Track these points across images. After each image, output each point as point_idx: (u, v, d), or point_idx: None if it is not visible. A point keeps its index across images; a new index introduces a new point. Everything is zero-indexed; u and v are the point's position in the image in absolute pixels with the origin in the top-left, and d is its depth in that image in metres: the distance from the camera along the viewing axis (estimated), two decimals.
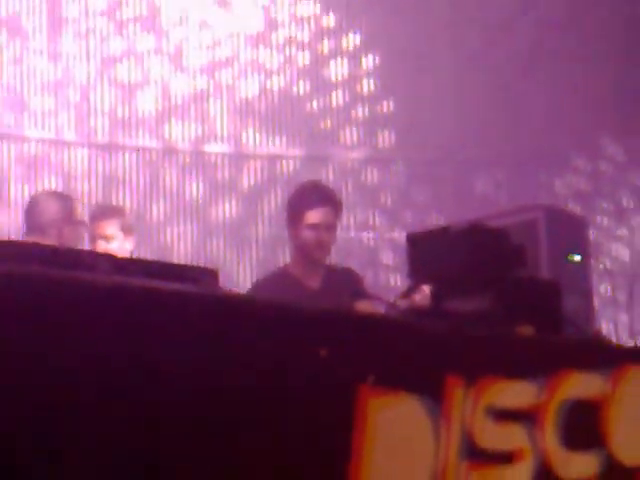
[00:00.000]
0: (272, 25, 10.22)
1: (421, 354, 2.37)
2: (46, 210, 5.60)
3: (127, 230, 5.52)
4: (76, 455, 1.72)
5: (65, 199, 5.79)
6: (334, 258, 5.95)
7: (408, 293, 3.47)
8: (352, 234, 10.13)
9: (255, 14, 10.17)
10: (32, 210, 5.71)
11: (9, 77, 9.42)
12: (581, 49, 9.93)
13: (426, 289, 3.32)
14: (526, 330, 2.90)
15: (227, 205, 9.97)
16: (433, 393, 2.29)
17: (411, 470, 2.25)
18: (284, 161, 10.14)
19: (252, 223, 9.98)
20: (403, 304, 3.49)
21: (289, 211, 5.29)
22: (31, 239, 5.24)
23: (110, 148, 9.65)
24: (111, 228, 5.35)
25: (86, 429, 1.75)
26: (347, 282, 5.19)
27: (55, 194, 6.29)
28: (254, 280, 7.20)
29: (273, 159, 10.10)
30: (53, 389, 1.71)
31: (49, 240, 5.27)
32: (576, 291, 4.80)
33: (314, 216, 5.03)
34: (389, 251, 10.03)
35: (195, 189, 9.85)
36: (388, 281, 9.50)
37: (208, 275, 2.21)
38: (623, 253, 10.39)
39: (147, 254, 9.12)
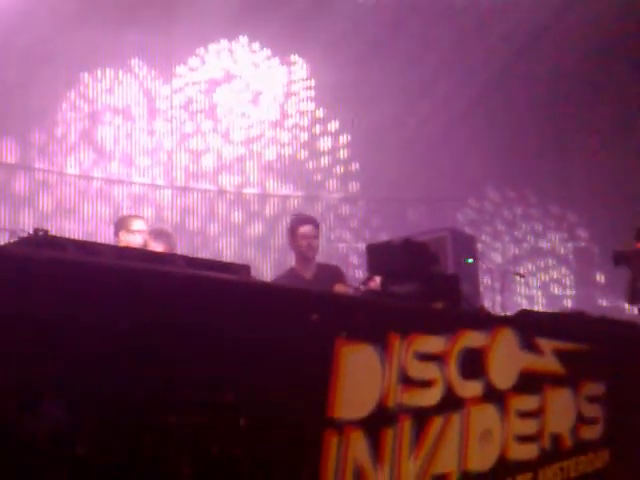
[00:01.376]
0: (285, 115, 11.54)
1: (374, 319, 2.44)
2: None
3: (171, 248, 5.14)
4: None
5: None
6: (322, 260, 5.86)
7: (366, 281, 3.67)
8: (333, 245, 10.95)
9: (274, 108, 11.47)
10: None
11: (124, 144, 10.59)
12: (474, 123, 10.67)
13: (377, 279, 3.46)
14: (438, 305, 2.99)
15: (256, 226, 11.17)
16: (381, 344, 2.37)
17: (367, 390, 2.34)
18: (291, 199, 11.38)
19: (272, 238, 11.07)
20: (364, 288, 3.67)
21: (289, 229, 5.36)
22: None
23: (185, 190, 10.91)
24: (159, 247, 4.99)
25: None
26: (331, 274, 5.26)
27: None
28: (274, 274, 8.36)
29: (284, 198, 11.35)
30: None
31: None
32: (469, 281, 5.22)
33: (304, 229, 5.20)
34: (355, 255, 10.74)
35: (237, 216, 11.10)
36: (355, 274, 9.64)
37: (244, 269, 2.26)
38: (497, 258, 11.36)
39: (207, 256, 9.98)
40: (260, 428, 2.06)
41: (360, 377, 2.34)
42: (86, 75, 10.46)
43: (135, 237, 5.01)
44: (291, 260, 9.83)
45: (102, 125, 10.55)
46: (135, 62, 10.79)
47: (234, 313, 2.06)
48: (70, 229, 9.78)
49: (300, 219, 5.46)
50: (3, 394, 1.65)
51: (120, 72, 10.71)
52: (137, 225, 5.15)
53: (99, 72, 10.56)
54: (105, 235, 9.19)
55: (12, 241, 2.12)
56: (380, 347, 2.40)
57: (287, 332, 2.17)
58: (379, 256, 3.42)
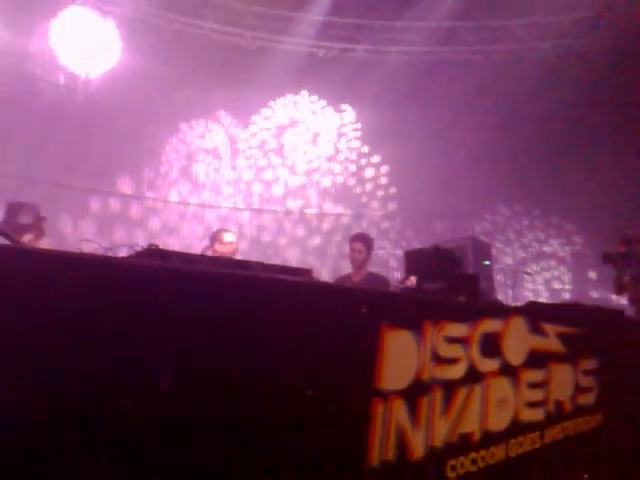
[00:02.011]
0: (337, 151, 11.52)
1: (411, 310, 2.43)
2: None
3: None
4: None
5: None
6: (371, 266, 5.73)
7: (404, 280, 3.52)
8: (376, 253, 10.07)
9: (329, 146, 11.49)
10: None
11: (213, 177, 10.73)
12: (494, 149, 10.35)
13: (413, 278, 3.34)
14: (462, 298, 2.92)
15: (315, 239, 11.17)
16: (417, 330, 2.34)
17: (406, 366, 2.31)
18: (343, 217, 11.38)
19: (328, 248, 11.09)
20: (402, 285, 3.53)
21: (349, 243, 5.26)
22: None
23: (260, 211, 11.00)
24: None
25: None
26: (377, 281, 5.10)
27: None
28: (330, 277, 8.59)
29: (337, 216, 11.36)
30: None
31: None
32: (486, 279, 5.00)
33: (353, 245, 5.12)
34: (394, 260, 10.81)
35: (300, 231, 11.14)
36: (393, 275, 9.57)
37: (307, 272, 2.25)
38: (508, 260, 11.12)
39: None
40: (323, 396, 2.06)
41: (400, 356, 2.32)
42: (184, 125, 10.68)
43: (226, 247, 4.98)
44: (344, 266, 9.78)
45: (196, 163, 10.73)
46: (221, 113, 10.97)
47: (301, 307, 2.07)
48: (173, 244, 9.88)
49: (352, 237, 5.38)
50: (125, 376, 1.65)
51: (209, 122, 10.90)
52: (228, 237, 5.11)
53: (194, 122, 10.77)
54: (198, 248, 9.25)
55: (131, 254, 2.17)
56: (416, 332, 2.38)
57: (342, 322, 2.16)
58: (414, 260, 3.44)
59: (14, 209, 3.69)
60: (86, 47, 9.15)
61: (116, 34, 9.26)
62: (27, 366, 1.52)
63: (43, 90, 9.12)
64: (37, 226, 3.75)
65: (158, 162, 10.38)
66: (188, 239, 10.29)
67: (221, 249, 4.96)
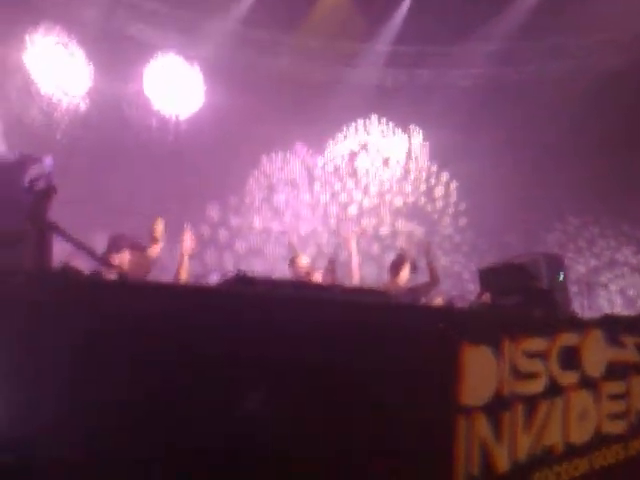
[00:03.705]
0: (408, 171, 11.46)
1: (489, 326, 2.39)
2: None
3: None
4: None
5: None
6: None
7: (480, 295, 3.53)
8: (450, 266, 10.74)
9: (399, 167, 11.40)
10: None
11: (293, 205, 11.00)
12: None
13: (488, 294, 3.34)
14: (538, 313, 2.91)
15: (389, 256, 9.88)
16: (495, 345, 2.29)
17: (486, 382, 2.26)
18: (416, 234, 11.09)
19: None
20: (478, 301, 3.52)
21: (392, 265, 5.11)
22: None
23: (336, 232, 10.57)
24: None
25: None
26: (412, 290, 4.87)
27: None
28: None
29: (410, 233, 11.11)
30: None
31: None
32: (561, 293, 4.83)
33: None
34: (467, 273, 10.50)
35: (375, 248, 10.86)
36: (467, 287, 9.68)
37: (384, 293, 2.37)
38: (581, 269, 10.77)
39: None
40: (405, 414, 2.03)
41: (480, 372, 2.29)
42: (264, 157, 10.87)
43: (302, 270, 5.12)
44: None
45: (277, 193, 10.90)
46: (299, 145, 11.10)
47: (382, 328, 2.05)
48: (257, 265, 10.08)
49: (402, 260, 5.17)
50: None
51: (288, 153, 11.05)
52: (302, 261, 5.28)
53: (273, 154, 10.93)
54: (281, 269, 9.28)
55: (222, 281, 2.22)
56: (495, 348, 2.35)
57: (423, 340, 2.13)
58: (489, 277, 3.42)
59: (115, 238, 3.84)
60: (175, 92, 9.55)
61: (200, 78, 9.59)
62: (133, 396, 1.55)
63: (138, 132, 9.49)
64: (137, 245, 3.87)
65: (242, 193, 10.61)
66: (272, 261, 10.41)
67: (297, 272, 5.04)
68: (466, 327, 2.31)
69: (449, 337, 2.20)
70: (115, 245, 3.76)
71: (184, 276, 3.77)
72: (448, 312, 2.66)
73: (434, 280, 4.98)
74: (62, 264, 1.70)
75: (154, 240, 3.78)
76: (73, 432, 1.44)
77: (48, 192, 2.10)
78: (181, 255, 3.82)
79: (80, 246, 2.05)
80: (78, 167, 8.38)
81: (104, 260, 2.25)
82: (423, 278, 5.10)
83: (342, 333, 1.91)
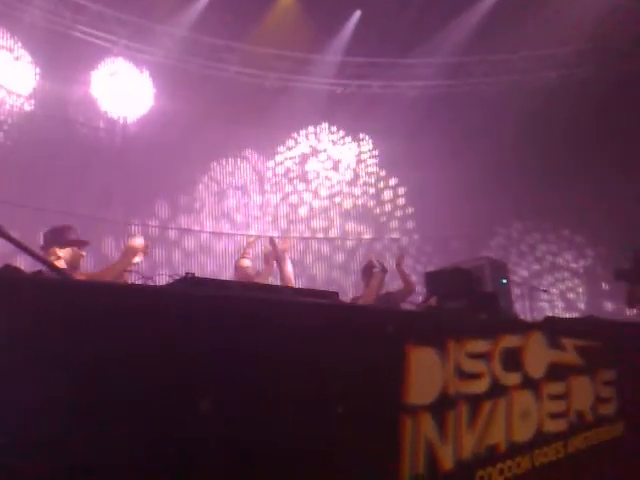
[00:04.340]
0: (357, 176, 11.71)
1: (434, 328, 2.39)
2: None
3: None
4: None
5: None
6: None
7: (426, 300, 3.55)
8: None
9: (349, 172, 11.67)
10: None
11: (244, 211, 10.96)
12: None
13: (434, 298, 3.33)
14: (482, 315, 2.89)
15: (339, 256, 11.34)
16: (440, 346, 2.29)
17: (432, 382, 2.27)
18: (364, 235, 11.51)
19: (351, 263, 11.20)
20: (424, 304, 3.58)
21: (364, 270, 5.22)
22: None
23: (287, 232, 10.94)
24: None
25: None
26: (387, 295, 5.00)
27: None
28: (354, 291, 8.63)
29: (359, 234, 11.51)
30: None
31: None
32: (504, 297, 4.90)
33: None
34: (415, 275, 10.15)
35: (325, 249, 11.27)
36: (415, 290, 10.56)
37: (334, 295, 2.23)
38: (524, 273, 10.97)
39: (305, 279, 10.34)
40: (353, 413, 2.01)
41: (426, 372, 2.29)
42: (214, 163, 10.85)
43: (244, 271, 5.06)
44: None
45: (227, 199, 10.91)
46: (249, 151, 11.14)
47: (330, 328, 2.03)
48: (207, 263, 10.19)
49: (372, 265, 5.19)
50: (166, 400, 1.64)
51: (238, 159, 11.07)
52: (244, 263, 5.24)
53: (223, 160, 10.94)
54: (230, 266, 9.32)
55: (170, 282, 2.17)
56: (440, 349, 2.34)
57: (369, 340, 2.12)
58: (435, 280, 3.37)
59: (60, 229, 3.70)
60: (123, 94, 9.41)
61: (149, 81, 9.50)
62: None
63: (85, 134, 9.34)
64: (81, 243, 3.75)
65: (192, 199, 10.55)
66: (221, 258, 10.46)
67: (240, 274, 4.98)
68: (412, 328, 2.30)
69: (396, 338, 2.18)
70: (60, 238, 3.59)
71: (116, 272, 3.58)
72: (395, 313, 2.61)
73: (409, 287, 5.02)
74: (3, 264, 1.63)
75: (133, 255, 3.61)
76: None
77: None
78: (125, 254, 3.64)
79: (20, 246, 1.96)
80: (22, 167, 8.22)
81: (46, 260, 2.17)
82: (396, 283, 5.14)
83: (289, 333, 1.88)
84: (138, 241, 3.66)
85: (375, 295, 4.79)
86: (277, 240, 5.00)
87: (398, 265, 5.15)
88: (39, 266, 2.00)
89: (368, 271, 5.06)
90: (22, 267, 1.68)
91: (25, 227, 6.81)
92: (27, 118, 8.77)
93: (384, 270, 4.93)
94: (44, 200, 8.23)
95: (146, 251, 3.67)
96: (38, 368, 1.47)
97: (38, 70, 8.79)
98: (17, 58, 8.57)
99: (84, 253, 3.74)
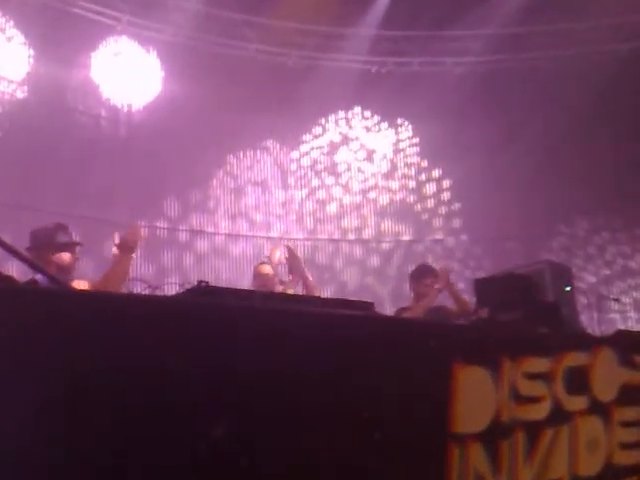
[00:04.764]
0: (394, 167, 11.69)
1: (486, 344, 2.38)
2: None
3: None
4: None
5: None
6: None
7: (476, 310, 3.55)
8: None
9: (385, 163, 11.67)
10: None
11: (263, 209, 11.15)
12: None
13: (485, 309, 3.28)
14: (543, 329, 2.89)
15: (374, 259, 11.36)
16: (493, 366, 2.29)
17: (483, 407, 2.26)
18: (403, 236, 11.51)
19: (387, 268, 11.22)
20: (473, 316, 3.63)
21: (414, 275, 5.23)
22: None
23: (314, 232, 11.21)
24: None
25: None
26: (439, 309, 5.05)
27: None
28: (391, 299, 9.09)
29: (396, 235, 11.50)
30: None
31: None
32: (568, 306, 4.91)
33: (429, 281, 4.99)
34: (462, 282, 10.02)
35: (357, 252, 11.28)
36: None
37: (369, 306, 2.28)
38: (591, 279, 10.82)
39: (334, 287, 10.54)
40: (392, 441, 2.00)
41: (476, 396, 2.27)
42: (230, 155, 10.97)
43: (262, 280, 5.16)
44: (405, 287, 9.59)
45: (245, 195, 11.03)
46: (270, 141, 11.25)
47: (363, 344, 2.03)
48: (222, 268, 10.38)
49: (427, 270, 5.30)
50: (179, 426, 1.66)
51: (258, 151, 11.19)
52: (263, 270, 5.34)
53: (241, 152, 11.06)
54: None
55: (181, 291, 2.22)
56: (492, 369, 2.32)
57: (410, 358, 2.12)
58: (486, 289, 3.36)
59: (51, 230, 3.77)
60: (127, 79, 9.54)
61: (157, 63, 9.61)
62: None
63: (85, 124, 9.50)
64: (75, 245, 3.82)
65: (205, 197, 10.69)
66: (238, 263, 10.58)
67: (260, 282, 5.11)
68: (460, 345, 2.30)
69: (441, 356, 2.18)
70: (51, 240, 3.65)
71: (116, 278, 3.61)
72: (440, 328, 2.57)
73: (465, 308, 4.92)
74: None
75: (129, 250, 3.64)
76: None
77: None
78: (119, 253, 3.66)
79: (12, 251, 2.01)
80: (14, 162, 8.39)
81: (41, 268, 2.23)
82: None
83: (318, 351, 1.89)
84: (132, 231, 3.71)
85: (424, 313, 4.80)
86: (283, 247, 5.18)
87: (447, 283, 5.08)
88: (31, 273, 2.04)
89: (421, 279, 5.08)
90: (14, 275, 1.72)
91: (17, 230, 6.90)
92: (20, 106, 8.95)
93: (441, 289, 4.95)
94: (39, 199, 8.40)
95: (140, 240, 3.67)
96: (31, 390, 1.51)
97: (32, 52, 8.94)
98: (9, 39, 8.72)
99: (78, 257, 3.79)
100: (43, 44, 8.91)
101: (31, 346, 1.51)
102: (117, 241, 3.67)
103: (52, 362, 1.52)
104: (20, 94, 9.00)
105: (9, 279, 1.66)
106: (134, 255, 3.73)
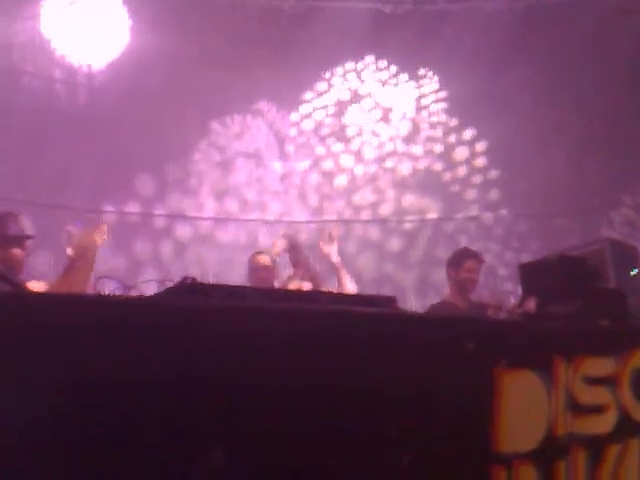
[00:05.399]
0: (417, 128, 11.54)
1: (535, 343, 2.41)
2: None
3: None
4: None
5: None
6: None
7: (522, 302, 3.53)
8: None
9: (405, 123, 11.51)
10: None
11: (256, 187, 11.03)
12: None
13: (533, 299, 3.30)
14: (603, 323, 2.88)
15: (394, 242, 11.19)
16: (545, 369, 2.32)
17: (534, 420, 2.29)
18: (429, 212, 11.39)
19: (410, 252, 11.13)
20: (519, 310, 3.58)
21: (452, 260, 5.62)
22: None
23: (319, 212, 11.13)
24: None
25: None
26: (483, 305, 5.34)
27: None
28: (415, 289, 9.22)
29: (421, 211, 11.38)
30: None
31: None
32: (635, 294, 4.67)
33: (470, 264, 5.50)
34: (503, 267, 10.69)
35: (373, 233, 11.21)
36: (504, 287, 9.88)
37: (390, 301, 2.32)
38: None
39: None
40: (424, 467, 2.04)
41: (525, 407, 2.30)
42: (215, 122, 10.93)
43: (259, 273, 5.42)
44: (434, 279, 9.81)
45: (234, 170, 11.03)
46: (262, 103, 11.20)
47: (385, 347, 2.07)
48: (209, 257, 10.39)
49: (468, 253, 5.68)
50: (172, 446, 1.71)
51: (248, 115, 11.15)
52: (262, 259, 5.54)
53: (228, 117, 11.03)
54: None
55: (162, 290, 2.25)
56: (544, 373, 2.36)
57: (442, 364, 2.16)
58: (534, 275, 3.35)
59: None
60: (86, 31, 9.40)
61: (123, 10, 9.52)
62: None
63: (35, 88, 9.48)
64: (26, 239, 3.90)
65: (186, 173, 10.74)
66: (228, 253, 10.58)
67: (256, 276, 5.37)
68: (504, 345, 2.34)
69: (480, 359, 2.23)
70: (3, 234, 3.76)
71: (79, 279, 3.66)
72: (478, 324, 2.60)
73: (501, 306, 5.14)
74: None
75: (88, 253, 3.74)
76: None
77: None
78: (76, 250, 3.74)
79: None
80: None
81: None
82: None
83: (330, 357, 1.96)
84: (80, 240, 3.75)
85: None
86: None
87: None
88: None
89: (461, 264, 5.51)
90: None
91: None
92: None
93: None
94: None
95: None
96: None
97: None
98: None
99: (29, 252, 3.84)
100: None
101: None
102: (69, 248, 3.78)
103: (12, 382, 1.59)
104: None
105: None
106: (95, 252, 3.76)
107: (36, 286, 3.68)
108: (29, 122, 8.88)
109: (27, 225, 4.19)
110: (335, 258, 5.53)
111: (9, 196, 8.00)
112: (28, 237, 3.96)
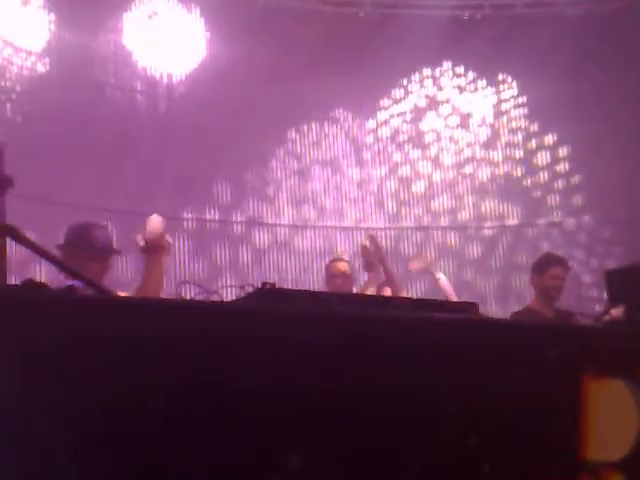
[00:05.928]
0: (496, 134, 11.55)
1: (621, 351, 2.37)
2: None
3: None
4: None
5: None
6: None
7: (608, 310, 3.49)
8: None
9: (484, 129, 11.56)
10: None
11: (334, 195, 11.21)
12: None
13: (620, 307, 3.20)
14: None
15: (473, 248, 11.21)
16: (632, 377, 2.28)
17: (623, 428, 2.25)
18: (509, 219, 11.32)
19: (490, 259, 11.14)
20: (606, 318, 3.55)
21: (537, 266, 5.50)
22: None
23: (396, 218, 11.17)
24: None
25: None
26: (569, 314, 5.29)
27: None
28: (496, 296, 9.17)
29: (501, 218, 11.32)
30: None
31: None
32: None
33: (555, 271, 5.33)
34: (588, 274, 10.52)
35: (451, 238, 11.22)
36: (588, 294, 9.97)
37: (472, 307, 2.32)
38: None
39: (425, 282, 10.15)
40: (505, 475, 2.03)
41: (612, 415, 2.25)
42: (292, 131, 11.08)
43: (335, 281, 5.36)
44: (514, 282, 10.02)
45: (311, 178, 11.14)
46: (339, 111, 11.33)
47: (469, 354, 2.06)
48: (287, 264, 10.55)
49: (553, 259, 5.57)
50: (251, 454, 1.72)
51: (326, 123, 11.27)
52: (340, 266, 5.52)
53: (305, 125, 11.16)
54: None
55: (242, 295, 2.23)
56: (632, 381, 2.32)
57: (528, 372, 2.12)
58: (620, 282, 3.25)
59: (84, 230, 3.89)
60: (166, 44, 9.70)
61: (201, 23, 9.76)
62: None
63: (118, 100, 9.74)
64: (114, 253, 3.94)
65: (263, 181, 10.85)
66: (304, 257, 10.72)
67: (334, 282, 5.34)
68: (591, 353, 2.30)
69: (566, 367, 2.20)
70: (88, 243, 3.76)
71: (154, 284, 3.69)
72: (564, 331, 2.56)
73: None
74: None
75: (157, 249, 3.72)
76: None
77: (1, 185, 2.16)
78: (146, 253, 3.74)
79: (42, 254, 2.10)
80: (37, 150, 8.60)
81: (79, 274, 2.30)
82: None
83: (411, 363, 1.95)
84: (152, 226, 3.73)
85: None
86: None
87: None
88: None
89: (546, 270, 5.35)
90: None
91: (45, 227, 7.14)
92: (41, 82, 9.12)
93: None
94: (67, 191, 8.67)
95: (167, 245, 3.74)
96: (67, 411, 1.59)
97: (53, 17, 9.09)
98: (24, 2, 8.86)
99: (109, 266, 3.91)
100: (65, 6, 9.08)
101: (66, 361, 1.58)
102: (141, 243, 3.73)
103: (91, 381, 1.59)
104: (41, 67, 9.20)
105: (42, 286, 1.73)
106: (167, 254, 3.80)
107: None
108: (112, 132, 9.09)
109: (112, 236, 4.25)
110: (438, 274, 5.75)
111: (93, 204, 8.25)
112: (116, 252, 4.02)
